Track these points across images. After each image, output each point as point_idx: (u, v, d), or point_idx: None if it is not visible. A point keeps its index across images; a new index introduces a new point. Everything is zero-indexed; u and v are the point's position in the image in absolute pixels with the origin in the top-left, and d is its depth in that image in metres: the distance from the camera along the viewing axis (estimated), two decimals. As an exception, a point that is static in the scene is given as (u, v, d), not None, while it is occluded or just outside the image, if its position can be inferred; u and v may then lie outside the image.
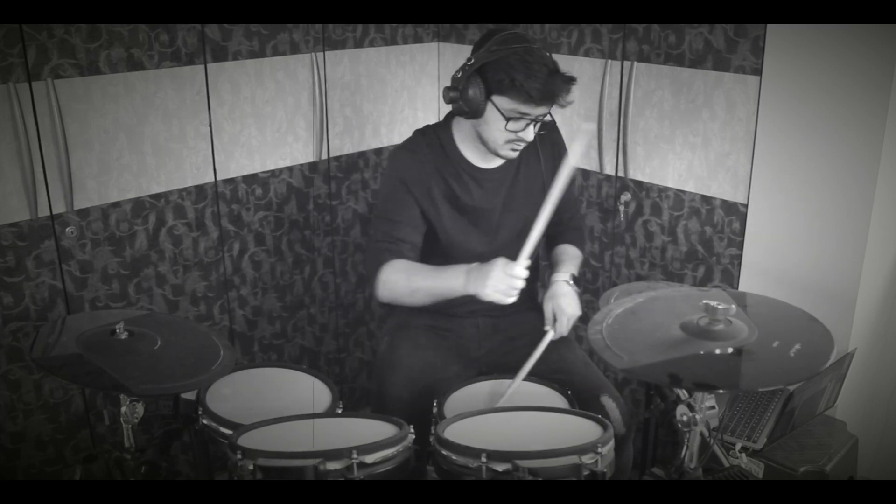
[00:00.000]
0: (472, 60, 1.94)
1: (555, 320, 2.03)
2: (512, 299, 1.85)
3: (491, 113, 1.94)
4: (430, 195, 2.05)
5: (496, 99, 1.92)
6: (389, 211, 2.04)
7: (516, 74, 1.87)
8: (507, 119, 1.92)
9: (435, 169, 2.05)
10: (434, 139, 2.08)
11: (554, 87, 1.89)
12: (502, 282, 1.82)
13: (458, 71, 1.97)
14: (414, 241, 2.03)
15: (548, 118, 2.07)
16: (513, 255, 2.09)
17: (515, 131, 1.94)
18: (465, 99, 1.94)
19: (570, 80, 1.93)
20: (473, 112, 1.95)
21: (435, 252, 2.11)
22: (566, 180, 1.82)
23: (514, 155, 2.02)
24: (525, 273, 1.84)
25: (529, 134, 1.96)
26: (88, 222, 2.21)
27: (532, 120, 1.94)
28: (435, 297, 1.96)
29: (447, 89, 1.97)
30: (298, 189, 2.64)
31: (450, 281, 1.91)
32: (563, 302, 2.03)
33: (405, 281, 1.96)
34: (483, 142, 2.02)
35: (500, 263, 1.84)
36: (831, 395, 2.23)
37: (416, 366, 2.05)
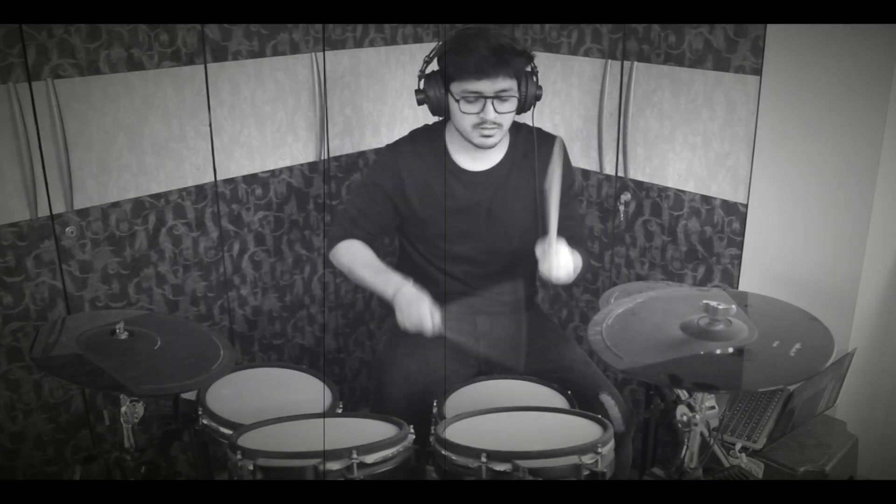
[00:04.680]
0: (427, 60, 2.04)
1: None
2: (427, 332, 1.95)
3: (452, 102, 2.01)
4: (406, 199, 2.11)
5: (451, 86, 1.99)
6: (360, 203, 2.16)
7: (457, 56, 1.95)
8: (458, 101, 1.98)
9: (419, 173, 2.09)
10: (423, 141, 2.11)
11: (493, 59, 1.93)
12: (416, 321, 1.94)
13: (419, 72, 2.06)
14: (374, 234, 2.16)
15: (541, 122, 2.08)
16: (501, 258, 2.12)
17: (474, 112, 1.99)
18: (428, 97, 2.04)
19: (513, 52, 1.96)
20: (438, 107, 2.04)
21: (418, 247, 2.17)
22: None
23: (488, 142, 2.04)
24: (432, 328, 1.94)
25: (489, 113, 1.98)
26: (88, 222, 2.21)
27: (490, 98, 1.96)
28: (369, 289, 2.13)
29: (416, 91, 2.07)
30: (298, 189, 2.64)
31: (383, 287, 2.04)
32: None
33: (349, 265, 2.13)
34: (462, 136, 2.06)
35: (426, 305, 1.95)
36: (831, 395, 2.23)
37: (414, 365, 2.05)
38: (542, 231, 2.22)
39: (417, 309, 1.94)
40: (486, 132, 2.01)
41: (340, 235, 2.16)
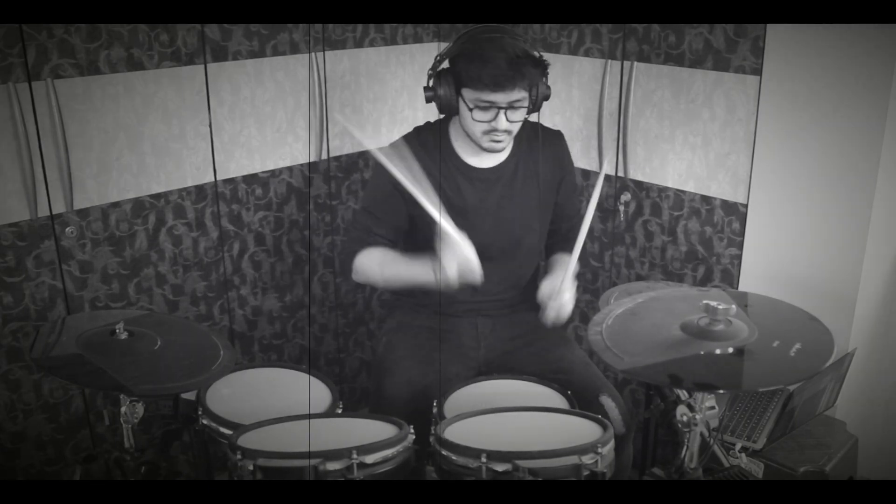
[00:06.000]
0: (440, 58, 2.00)
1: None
2: (477, 278, 1.86)
3: (462, 106, 1.99)
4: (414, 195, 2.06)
5: (463, 91, 1.97)
6: (373, 206, 2.11)
7: (473, 64, 1.91)
8: (471, 109, 1.96)
9: (427, 167, 2.06)
10: (428, 138, 2.10)
11: (511, 72, 1.90)
12: (461, 265, 1.85)
13: (430, 69, 2.02)
14: (392, 239, 2.10)
15: (551, 124, 2.07)
16: (505, 256, 2.11)
17: (485, 121, 1.97)
18: (437, 96, 2.00)
19: (532, 64, 1.93)
20: (448, 108, 2.01)
21: (426, 249, 2.12)
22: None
23: (497, 147, 2.03)
24: (474, 256, 1.86)
25: (501, 122, 1.97)
26: (88, 222, 2.21)
27: (503, 108, 1.95)
28: (408, 287, 2.03)
29: (425, 88, 2.04)
30: (298, 189, 2.64)
31: (420, 273, 1.96)
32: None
33: (378, 270, 2.05)
34: (470, 138, 2.05)
35: (457, 250, 1.86)
36: (831, 395, 2.23)
37: (414, 366, 2.05)
38: (548, 249, 2.23)
39: (457, 261, 1.85)
40: (497, 139, 2.00)
41: (356, 248, 2.08)
